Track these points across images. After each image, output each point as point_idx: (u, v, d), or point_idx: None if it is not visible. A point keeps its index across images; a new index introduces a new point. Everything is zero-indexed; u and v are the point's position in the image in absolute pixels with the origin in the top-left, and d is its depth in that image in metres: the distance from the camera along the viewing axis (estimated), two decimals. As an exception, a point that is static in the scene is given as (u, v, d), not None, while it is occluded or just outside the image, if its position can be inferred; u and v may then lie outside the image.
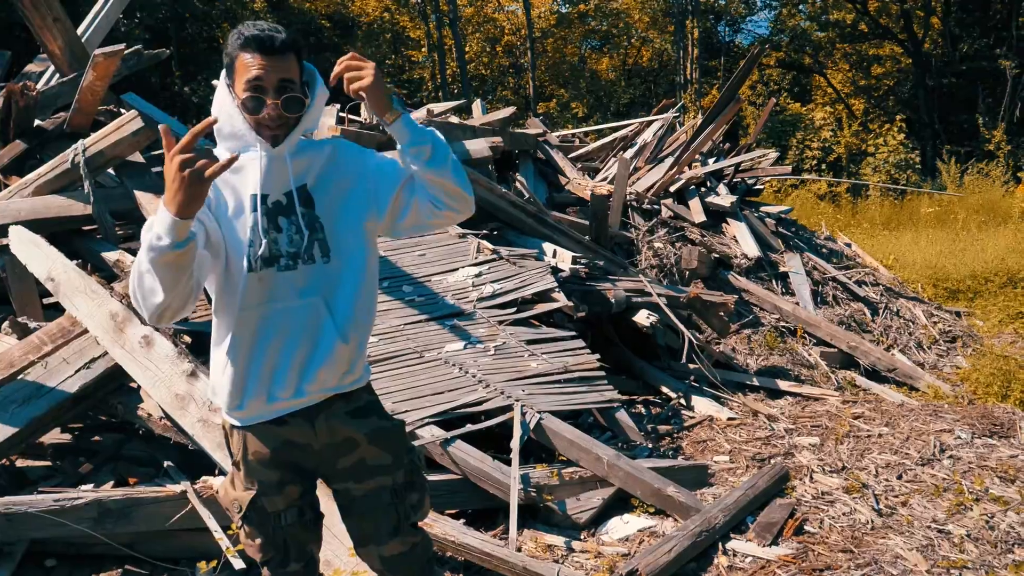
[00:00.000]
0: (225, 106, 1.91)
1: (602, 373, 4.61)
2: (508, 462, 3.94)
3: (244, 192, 1.92)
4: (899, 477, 4.46)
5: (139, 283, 1.73)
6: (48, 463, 3.81)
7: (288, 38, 1.86)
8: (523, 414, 4.09)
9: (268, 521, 2.03)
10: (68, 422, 3.76)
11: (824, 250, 8.17)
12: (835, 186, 16.69)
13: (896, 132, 17.76)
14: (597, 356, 4.68)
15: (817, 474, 4.48)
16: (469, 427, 3.98)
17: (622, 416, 4.53)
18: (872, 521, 3.90)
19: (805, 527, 3.83)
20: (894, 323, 7.18)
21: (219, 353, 1.97)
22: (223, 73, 1.94)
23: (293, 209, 1.92)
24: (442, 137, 1.95)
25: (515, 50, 29.66)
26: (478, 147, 5.78)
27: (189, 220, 1.66)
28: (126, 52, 5.14)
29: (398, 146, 1.92)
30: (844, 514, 3.99)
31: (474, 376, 4.26)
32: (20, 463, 3.77)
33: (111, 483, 3.67)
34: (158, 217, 1.67)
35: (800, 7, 29.01)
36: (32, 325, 3.92)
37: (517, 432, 3.95)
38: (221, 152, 1.95)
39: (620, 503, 4.05)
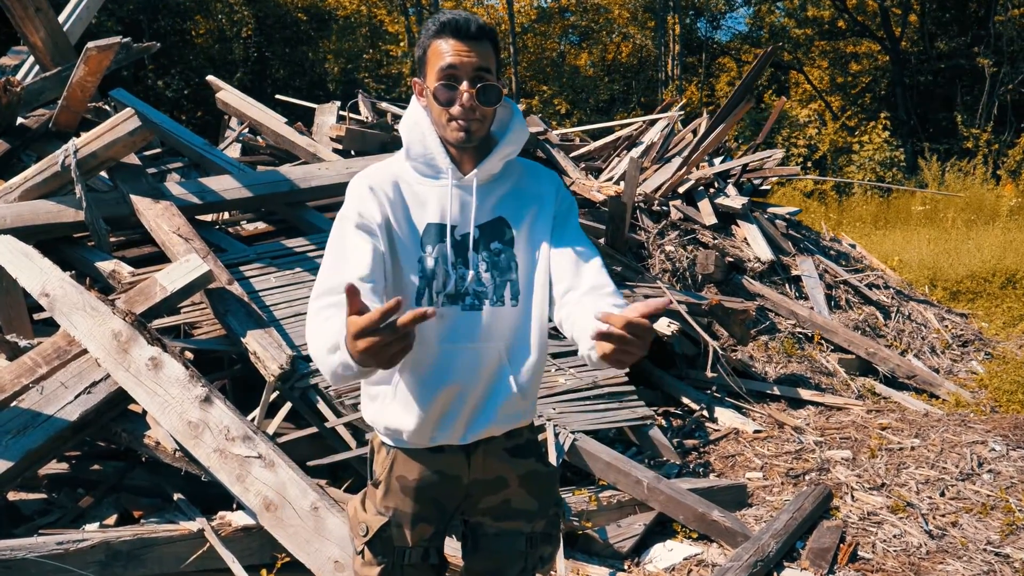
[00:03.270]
0: (418, 126, 1.75)
1: (632, 388, 4.37)
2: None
3: (429, 219, 1.74)
4: (942, 494, 4.28)
5: (327, 372, 1.55)
6: (43, 495, 3.48)
7: (486, 26, 1.70)
8: (556, 434, 3.83)
9: (391, 554, 1.83)
10: (66, 451, 3.43)
11: (832, 252, 8.00)
12: (821, 183, 16.63)
13: (881, 130, 17.74)
14: (626, 370, 4.44)
15: (858, 492, 4.28)
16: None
17: (656, 434, 4.30)
18: (925, 544, 3.71)
19: (858, 552, 3.62)
20: (906, 327, 7.04)
21: (381, 383, 1.80)
22: (415, 86, 1.77)
23: (485, 245, 1.75)
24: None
25: (494, 45, 29.24)
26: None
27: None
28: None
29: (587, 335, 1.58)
30: (895, 536, 3.80)
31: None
32: (12, 496, 3.44)
33: (114, 517, 3.36)
34: (343, 352, 1.46)
35: (778, 4, 29.02)
36: (23, 344, 3.58)
37: (552, 455, 3.69)
38: (405, 168, 1.77)
39: (659, 527, 3.82)
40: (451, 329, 1.73)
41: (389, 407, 1.78)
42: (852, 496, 4.24)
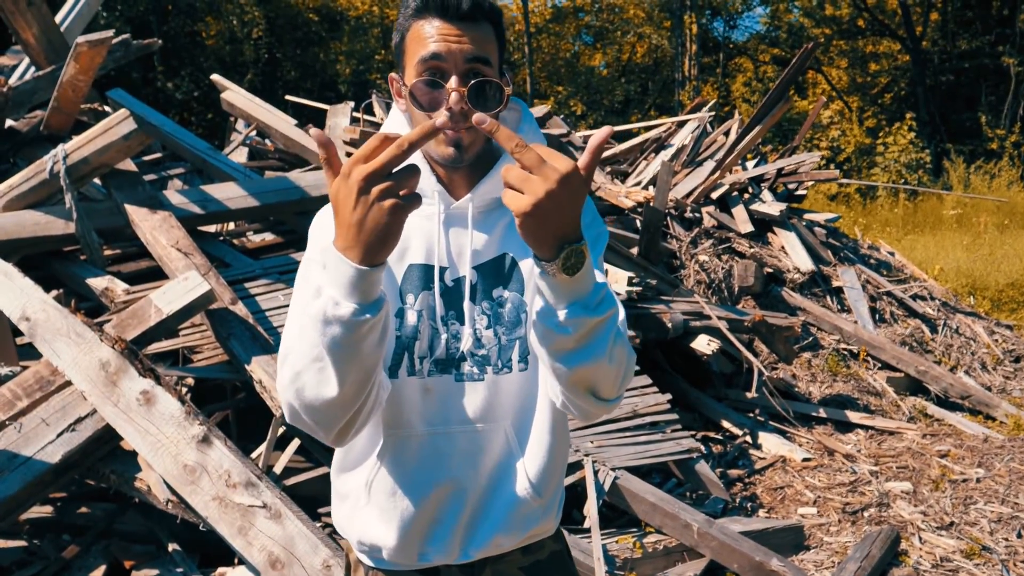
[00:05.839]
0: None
1: (675, 416, 3.98)
2: (575, 530, 3.31)
3: (411, 259, 1.31)
4: (1019, 535, 3.87)
5: (306, 378, 1.13)
6: (24, 543, 3.12)
7: (484, 1, 1.24)
8: (595, 472, 3.44)
9: None
10: (50, 494, 3.07)
11: (871, 260, 7.57)
12: (844, 186, 16.18)
13: (906, 131, 17.26)
14: (668, 396, 4.05)
15: (925, 533, 3.87)
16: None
17: (703, 468, 3.90)
18: (1010, 598, 3.30)
19: (937, 609, 3.22)
20: (955, 341, 6.61)
21: (351, 481, 1.36)
22: (392, 84, 1.33)
23: (486, 292, 1.31)
24: (615, 311, 1.16)
25: (508, 45, 28.94)
26: (516, 151, 5.12)
27: (381, 269, 1.06)
28: (113, 42, 4.43)
29: (539, 298, 1.14)
30: (975, 588, 3.40)
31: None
32: (-11, 545, 3.08)
33: (103, 568, 2.99)
34: (330, 271, 1.07)
35: (794, 4, 28.54)
36: (2, 372, 3.22)
37: (592, 496, 3.30)
38: None
39: (708, 575, 3.43)
40: (441, 407, 1.30)
41: (362, 513, 1.34)
42: (920, 538, 3.83)
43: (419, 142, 1.01)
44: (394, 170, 1.02)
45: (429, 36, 1.22)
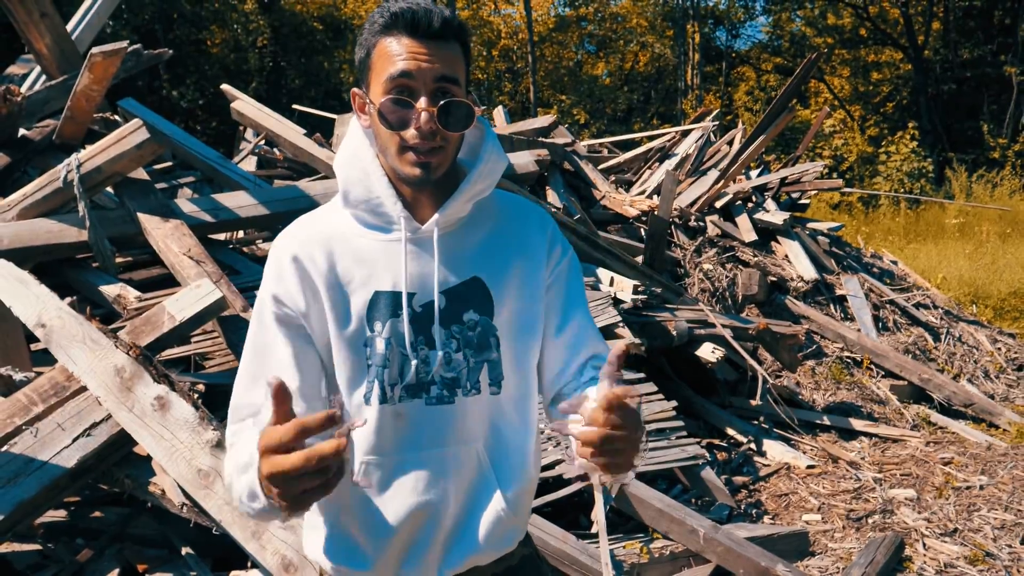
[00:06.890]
0: (358, 159, 1.31)
1: (681, 423, 4.01)
2: (583, 536, 3.34)
3: (378, 287, 1.30)
4: (1022, 542, 3.90)
5: (236, 492, 1.20)
6: (38, 547, 3.15)
7: (454, 20, 1.24)
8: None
9: None
10: (64, 499, 3.11)
11: (875, 269, 7.61)
12: (847, 195, 16.22)
13: (908, 140, 17.31)
14: (674, 403, 4.08)
15: (929, 539, 3.90)
16: (546, 497, 3.37)
17: (708, 475, 3.94)
18: (1014, 604, 3.33)
19: (942, 615, 3.25)
20: (958, 350, 6.64)
21: (323, 508, 1.37)
22: (355, 99, 1.33)
23: (455, 316, 1.31)
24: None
25: (512, 54, 29.07)
26: (523, 161, 5.16)
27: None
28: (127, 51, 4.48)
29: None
30: (979, 594, 3.42)
31: (542, 433, 3.65)
32: (4, 548, 3.11)
33: (116, 572, 3.02)
34: (250, 476, 1.13)
35: (796, 13, 28.65)
36: (17, 377, 3.26)
37: (599, 502, 3.33)
38: (344, 219, 1.34)
39: (714, 581, 3.46)
40: (413, 431, 1.30)
41: (336, 540, 1.36)
42: (924, 544, 3.86)
43: (331, 458, 0.97)
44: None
45: (398, 54, 1.21)
